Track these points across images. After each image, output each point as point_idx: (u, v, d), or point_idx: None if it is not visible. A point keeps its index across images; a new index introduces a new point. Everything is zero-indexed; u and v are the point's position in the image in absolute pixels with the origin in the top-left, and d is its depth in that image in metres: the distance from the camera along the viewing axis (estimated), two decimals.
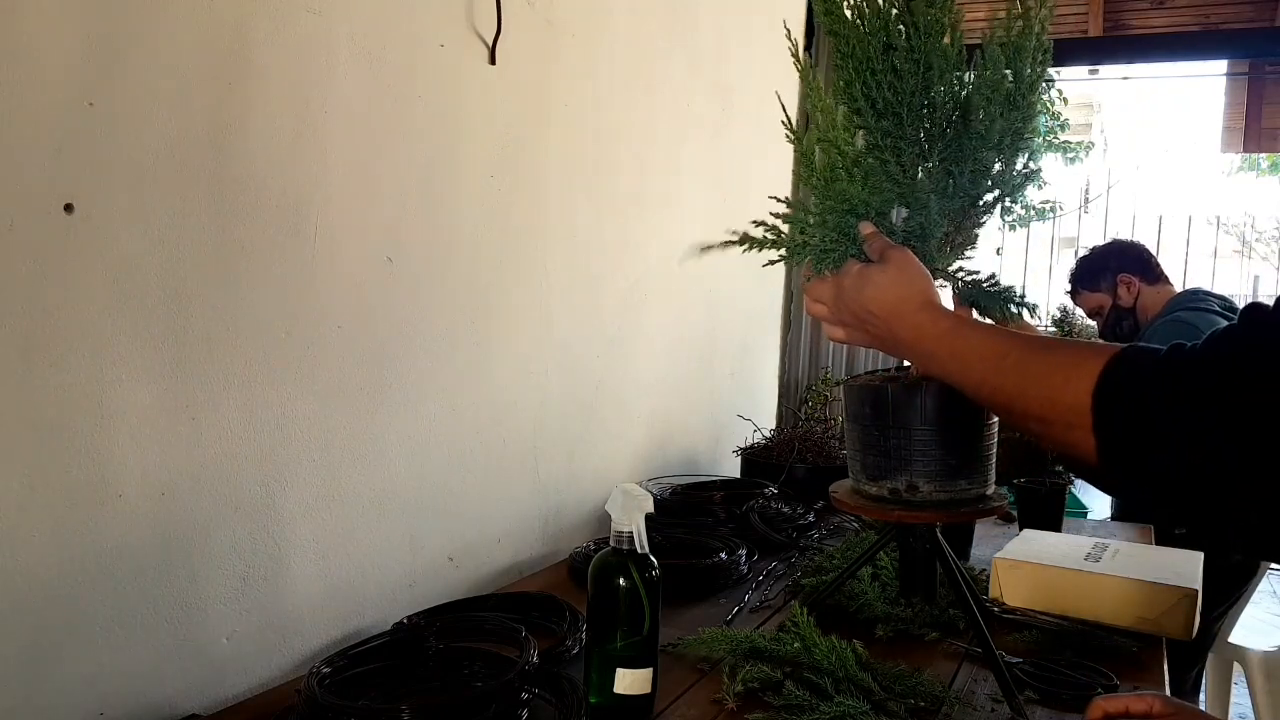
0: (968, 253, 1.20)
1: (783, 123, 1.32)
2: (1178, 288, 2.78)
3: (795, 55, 1.21)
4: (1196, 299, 2.60)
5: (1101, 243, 2.99)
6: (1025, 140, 1.14)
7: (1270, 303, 0.72)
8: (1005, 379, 0.86)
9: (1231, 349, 0.71)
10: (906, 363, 1.25)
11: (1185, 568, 1.48)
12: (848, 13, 1.14)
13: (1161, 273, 2.76)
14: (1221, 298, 2.63)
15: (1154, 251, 2.84)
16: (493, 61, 1.55)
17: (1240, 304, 2.84)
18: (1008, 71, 1.13)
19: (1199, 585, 1.39)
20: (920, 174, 1.14)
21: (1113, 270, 2.75)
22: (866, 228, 1.10)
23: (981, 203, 1.17)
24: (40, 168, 0.93)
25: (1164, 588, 1.38)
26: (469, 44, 1.50)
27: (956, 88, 1.13)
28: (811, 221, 1.14)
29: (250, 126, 1.14)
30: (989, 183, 1.16)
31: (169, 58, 1.04)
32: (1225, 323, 0.77)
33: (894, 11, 1.12)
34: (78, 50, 0.95)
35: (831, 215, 1.14)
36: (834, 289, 1.07)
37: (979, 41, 1.15)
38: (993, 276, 1.18)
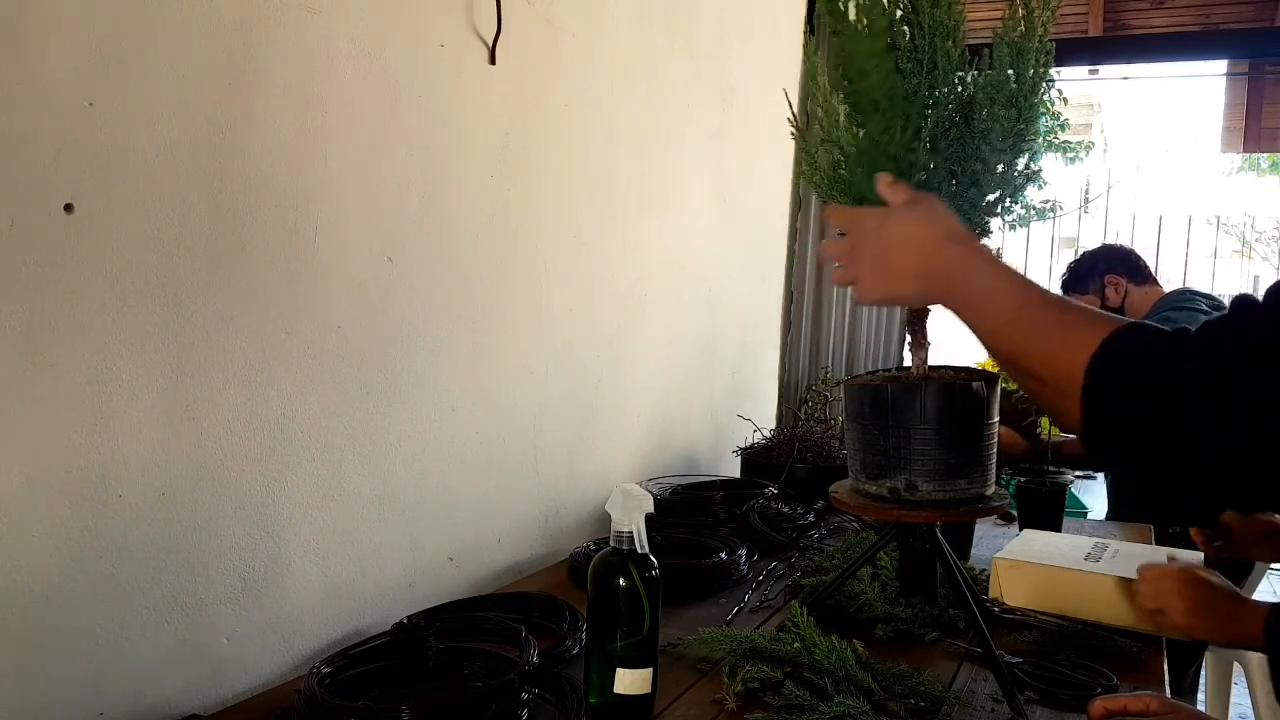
0: None
1: (789, 119, 1.32)
2: (1176, 288, 2.79)
3: (808, 55, 1.21)
4: (1184, 299, 2.61)
5: (1090, 248, 3.01)
6: (1027, 141, 1.14)
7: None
8: (1015, 332, 0.84)
9: (1225, 333, 0.71)
10: (907, 363, 1.25)
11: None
12: (852, 12, 1.14)
13: (1149, 274, 2.78)
14: (1209, 297, 2.63)
15: (1154, 252, 2.85)
16: (493, 61, 1.55)
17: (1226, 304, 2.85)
18: (1010, 72, 1.13)
19: None
20: (923, 175, 1.14)
21: (1100, 273, 2.77)
22: (885, 179, 1.02)
23: (984, 203, 1.17)
24: (40, 168, 0.93)
25: None
26: (469, 44, 1.50)
27: (959, 89, 1.13)
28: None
29: (250, 126, 1.14)
30: (991, 183, 1.16)
31: (169, 58, 1.04)
32: None
33: (899, 13, 1.12)
34: (78, 50, 0.95)
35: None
36: (852, 239, 1.00)
37: (982, 42, 1.15)
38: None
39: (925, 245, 0.92)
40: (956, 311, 0.93)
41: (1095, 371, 0.74)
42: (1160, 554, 1.62)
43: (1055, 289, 2.96)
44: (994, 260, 0.91)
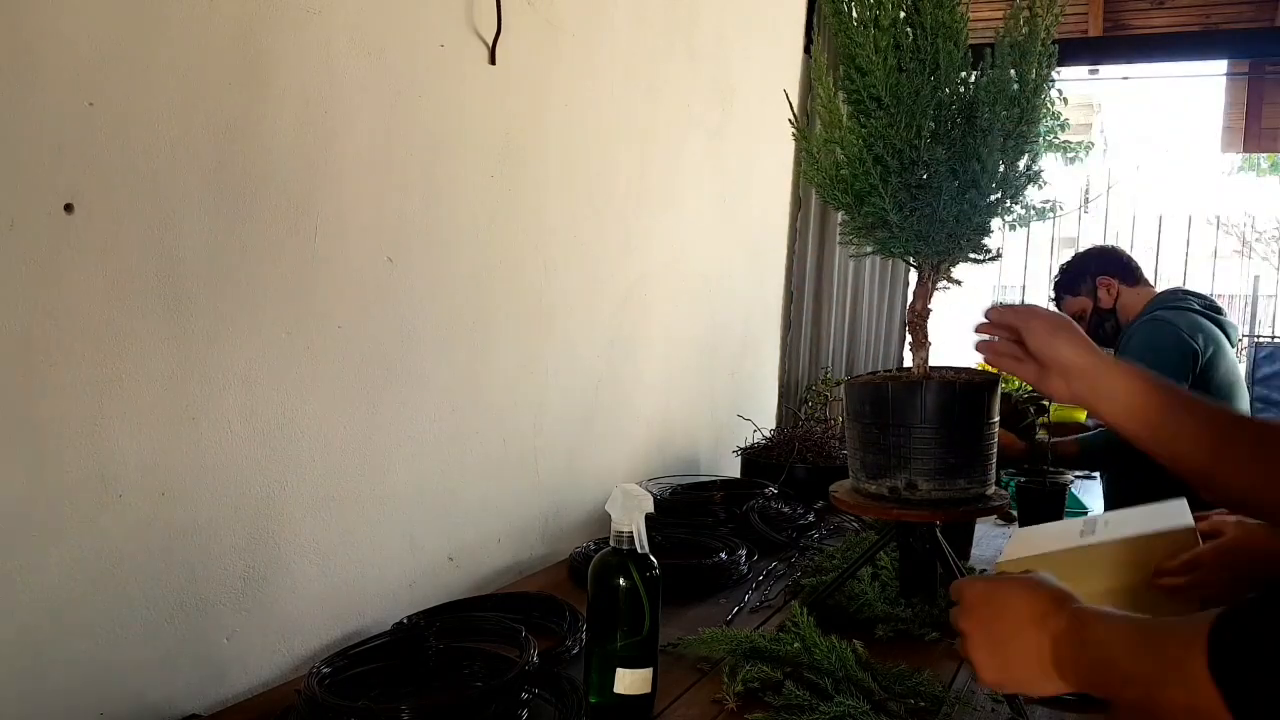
0: (972, 254, 1.20)
1: (790, 120, 1.32)
2: (1169, 287, 2.79)
3: (813, 54, 1.21)
4: (1176, 298, 2.62)
5: (1081, 250, 3.02)
6: (1029, 142, 1.14)
7: None
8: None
9: None
10: (908, 363, 1.26)
11: (1174, 511, 1.46)
12: (855, 12, 1.14)
13: (1141, 275, 2.79)
14: (1201, 296, 2.63)
15: (1154, 252, 2.85)
16: (493, 61, 1.55)
17: (1224, 303, 2.84)
18: (1012, 72, 1.13)
19: (1192, 521, 1.37)
20: (925, 174, 1.14)
21: (1092, 274, 2.77)
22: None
23: (985, 203, 1.17)
24: (40, 168, 0.93)
25: (1163, 535, 1.36)
26: (469, 44, 1.50)
27: (962, 89, 1.13)
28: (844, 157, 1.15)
29: (250, 126, 1.14)
30: (993, 184, 1.16)
31: (169, 58, 1.04)
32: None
33: (902, 14, 1.12)
34: (78, 50, 0.95)
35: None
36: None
37: (986, 41, 1.15)
38: None
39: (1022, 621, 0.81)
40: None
41: (1226, 681, 0.60)
42: (1147, 510, 1.60)
43: (1050, 291, 2.96)
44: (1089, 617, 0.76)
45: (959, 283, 1.24)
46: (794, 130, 1.31)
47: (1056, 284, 2.91)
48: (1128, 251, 2.90)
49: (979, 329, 1.06)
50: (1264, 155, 10.89)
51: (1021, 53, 1.13)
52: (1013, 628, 0.81)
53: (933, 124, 1.13)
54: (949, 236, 1.15)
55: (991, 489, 1.18)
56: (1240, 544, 1.27)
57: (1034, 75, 1.14)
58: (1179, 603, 1.33)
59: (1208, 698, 0.59)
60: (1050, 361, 0.99)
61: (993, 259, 1.22)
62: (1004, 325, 1.03)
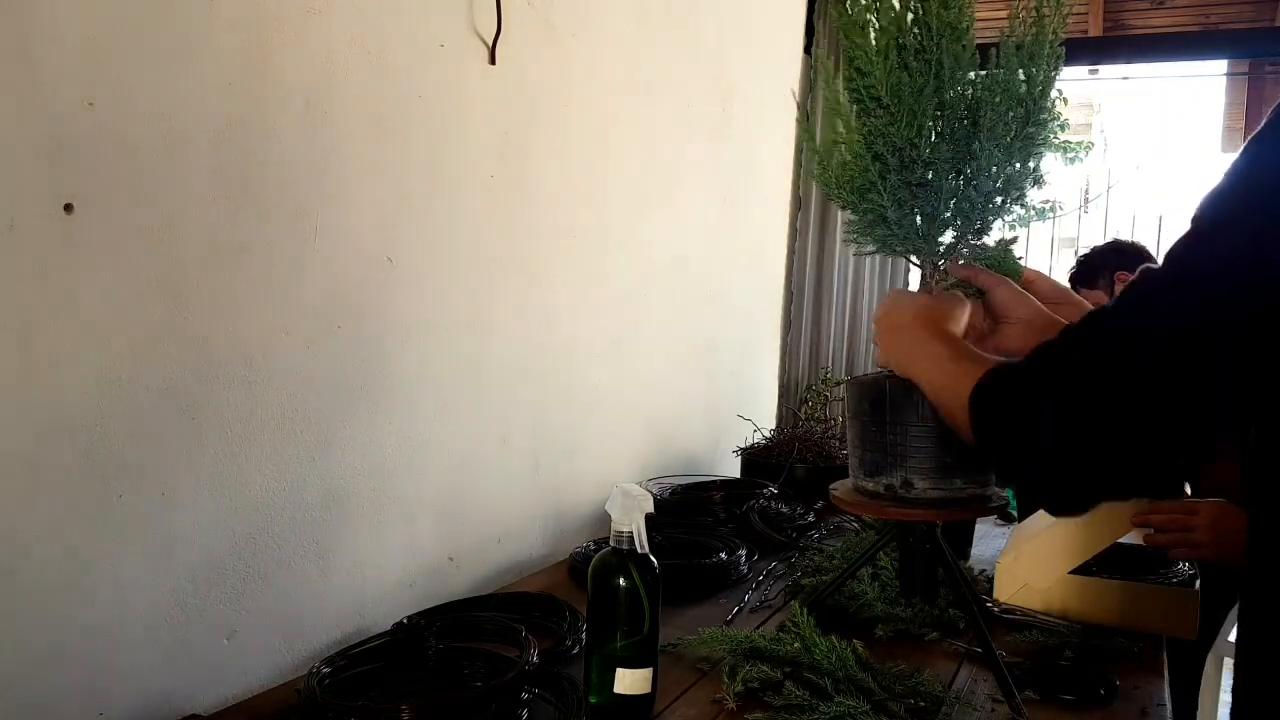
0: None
1: (797, 120, 1.32)
2: None
3: (815, 56, 1.21)
4: None
5: (1102, 243, 3.01)
6: (1037, 145, 1.14)
7: None
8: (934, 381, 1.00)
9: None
10: None
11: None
12: (852, 12, 1.14)
13: None
14: None
15: (1155, 252, 2.84)
16: (493, 61, 1.55)
17: None
18: (1020, 73, 1.13)
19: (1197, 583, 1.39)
20: (930, 175, 1.14)
21: (1110, 269, 2.77)
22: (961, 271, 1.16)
23: (989, 204, 1.17)
24: (40, 168, 0.93)
25: (1166, 589, 1.38)
26: (469, 44, 1.50)
27: (967, 91, 1.13)
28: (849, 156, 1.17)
29: (250, 126, 1.14)
30: (996, 184, 1.16)
31: (169, 58, 1.04)
32: None
33: (910, 15, 1.11)
34: (78, 50, 0.95)
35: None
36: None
37: (992, 40, 1.15)
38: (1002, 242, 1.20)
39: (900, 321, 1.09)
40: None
41: (975, 397, 0.88)
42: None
43: (1065, 284, 2.96)
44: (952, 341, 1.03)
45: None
46: (800, 128, 1.30)
47: (1073, 277, 2.90)
48: (1148, 249, 2.89)
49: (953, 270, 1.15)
50: None
51: (1029, 54, 1.13)
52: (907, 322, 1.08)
53: (938, 125, 1.12)
54: (955, 239, 1.15)
55: (990, 489, 1.18)
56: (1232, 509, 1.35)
57: (1041, 77, 1.14)
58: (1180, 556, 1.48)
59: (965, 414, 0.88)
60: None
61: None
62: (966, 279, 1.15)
